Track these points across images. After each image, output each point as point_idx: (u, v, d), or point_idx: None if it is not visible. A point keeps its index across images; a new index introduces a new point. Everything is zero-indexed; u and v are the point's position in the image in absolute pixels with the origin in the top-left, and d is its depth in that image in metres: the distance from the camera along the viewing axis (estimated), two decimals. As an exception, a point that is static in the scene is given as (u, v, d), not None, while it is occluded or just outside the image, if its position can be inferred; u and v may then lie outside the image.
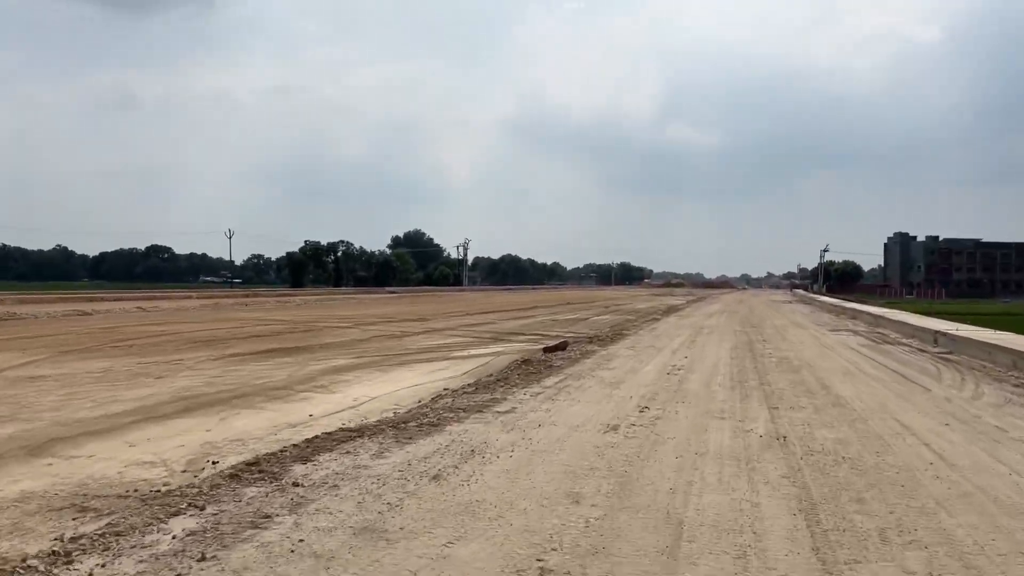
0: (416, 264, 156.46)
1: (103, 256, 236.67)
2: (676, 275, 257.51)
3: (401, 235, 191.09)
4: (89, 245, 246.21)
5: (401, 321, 26.16)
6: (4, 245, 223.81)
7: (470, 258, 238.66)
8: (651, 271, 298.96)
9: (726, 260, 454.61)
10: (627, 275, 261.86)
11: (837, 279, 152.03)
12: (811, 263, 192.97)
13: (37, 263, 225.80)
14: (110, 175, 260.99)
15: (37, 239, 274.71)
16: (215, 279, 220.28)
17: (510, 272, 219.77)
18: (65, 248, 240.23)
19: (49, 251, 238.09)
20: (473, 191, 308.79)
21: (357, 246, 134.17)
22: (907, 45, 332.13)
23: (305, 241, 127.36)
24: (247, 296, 53.95)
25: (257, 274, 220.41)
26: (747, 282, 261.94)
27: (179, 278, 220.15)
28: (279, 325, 22.74)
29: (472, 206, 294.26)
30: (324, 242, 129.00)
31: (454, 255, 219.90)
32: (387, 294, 66.91)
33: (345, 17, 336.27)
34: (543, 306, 40.74)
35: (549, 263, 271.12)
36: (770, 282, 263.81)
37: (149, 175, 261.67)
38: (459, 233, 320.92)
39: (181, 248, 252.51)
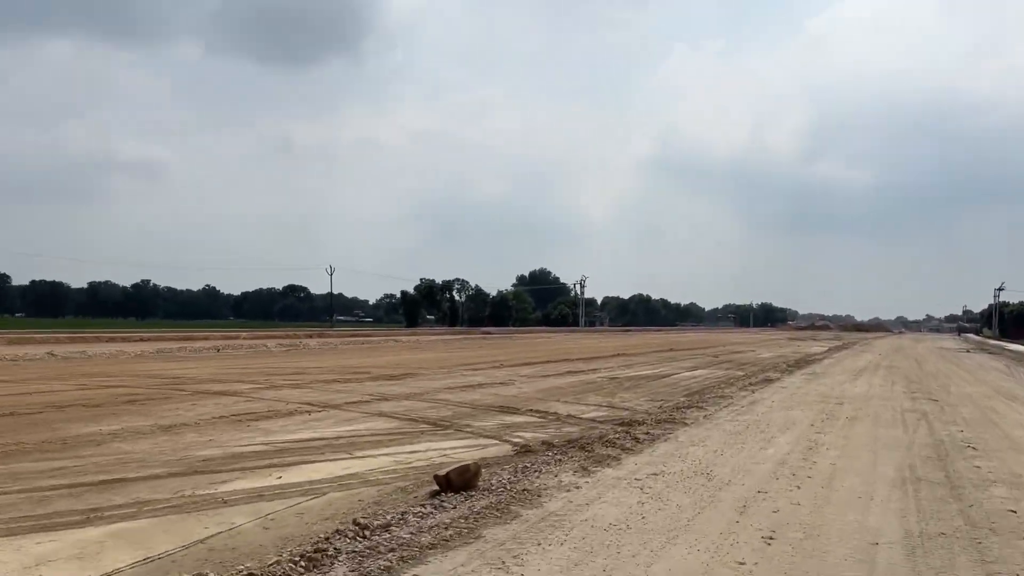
0: (535, 303, 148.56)
1: (244, 296, 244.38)
2: (823, 317, 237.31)
3: (526, 274, 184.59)
4: (236, 285, 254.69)
5: (372, 379, 17.55)
6: (155, 285, 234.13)
7: (599, 298, 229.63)
8: (795, 312, 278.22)
9: (879, 302, 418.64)
10: (768, 317, 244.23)
11: (1012, 322, 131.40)
12: (977, 305, 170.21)
13: (184, 302, 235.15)
14: (266, 218, 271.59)
15: (188, 279, 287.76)
16: (348, 318, 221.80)
17: (639, 312, 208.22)
18: (214, 288, 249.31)
19: (197, 291, 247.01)
20: (609, 231, 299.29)
21: (474, 284, 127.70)
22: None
23: (420, 279, 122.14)
24: (292, 336, 47.12)
25: (387, 313, 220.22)
26: (904, 325, 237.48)
27: (316, 316, 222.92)
28: (135, 387, 14.62)
29: (607, 246, 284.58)
30: (440, 280, 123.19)
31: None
32: (478, 336, 58.81)
33: (490, 62, 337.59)
34: (631, 354, 31.16)
35: (685, 303, 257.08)
36: (929, 325, 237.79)
37: (301, 218, 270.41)
38: (590, 273, 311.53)
39: (319, 288, 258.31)
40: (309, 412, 11.41)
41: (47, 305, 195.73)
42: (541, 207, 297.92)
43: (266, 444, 8.73)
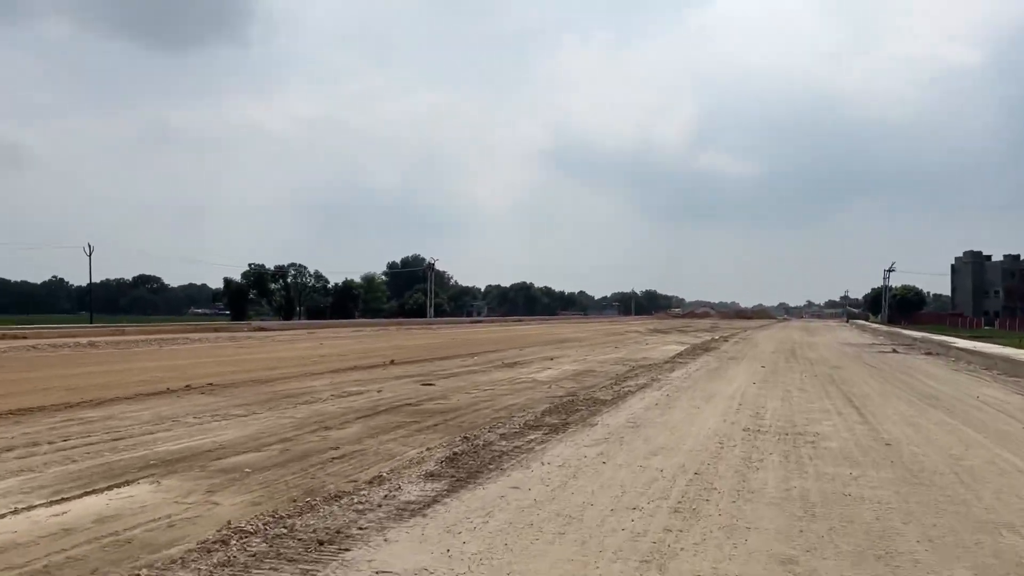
0: (402, 292, 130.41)
1: (91, 287, 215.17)
2: (708, 304, 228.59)
3: (398, 261, 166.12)
4: (86, 276, 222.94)
5: None
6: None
7: (482, 286, 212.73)
8: (681, 300, 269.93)
9: (762, 289, 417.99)
10: (652, 304, 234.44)
11: (896, 307, 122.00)
12: (857, 290, 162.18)
13: (17, 295, 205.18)
14: (138, 206, 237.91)
15: (34, 271, 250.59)
16: (206, 311, 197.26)
17: (520, 301, 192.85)
18: (60, 280, 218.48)
19: (37, 283, 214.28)
20: (501, 220, 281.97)
21: (312, 270, 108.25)
22: (946, 67, 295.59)
23: (249, 264, 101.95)
24: None
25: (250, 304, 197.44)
26: (785, 311, 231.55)
27: (175, 309, 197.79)
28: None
29: (498, 236, 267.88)
30: (274, 265, 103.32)
31: (463, 283, 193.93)
32: (272, 329, 40.51)
33: (378, 48, 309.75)
34: (292, 375, 13.94)
35: (575, 292, 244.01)
36: (811, 311, 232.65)
37: (184, 208, 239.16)
38: (478, 263, 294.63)
39: (179, 279, 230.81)
40: None
41: None
42: (432, 197, 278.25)
43: None
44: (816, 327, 68.86)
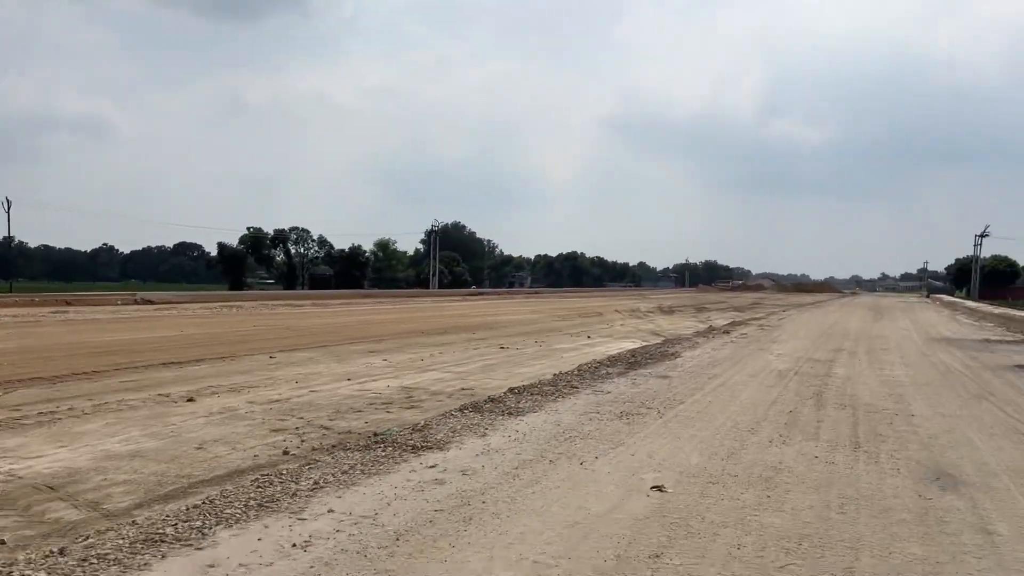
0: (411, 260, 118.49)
1: (132, 255, 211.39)
2: (774, 276, 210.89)
3: (436, 228, 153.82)
4: (134, 244, 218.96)
5: None
6: (22, 242, 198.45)
7: (531, 256, 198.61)
8: (747, 272, 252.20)
9: (836, 262, 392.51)
10: (712, 275, 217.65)
11: (985, 280, 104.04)
12: (938, 263, 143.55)
13: (60, 262, 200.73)
14: (207, 176, 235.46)
15: (85, 239, 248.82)
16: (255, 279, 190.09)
17: (566, 272, 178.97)
18: (110, 247, 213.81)
19: (82, 251, 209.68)
20: (558, 191, 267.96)
21: (316, 235, 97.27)
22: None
23: (247, 228, 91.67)
24: None
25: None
26: (857, 284, 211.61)
27: (215, 278, 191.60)
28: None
29: (554, 206, 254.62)
30: (272, 229, 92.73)
31: (514, 252, 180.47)
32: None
33: (444, 16, 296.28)
34: None
35: (632, 264, 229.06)
36: (884, 284, 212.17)
37: (243, 176, 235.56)
38: (529, 233, 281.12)
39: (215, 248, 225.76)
40: None
41: None
42: (491, 166, 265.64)
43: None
44: (889, 305, 53.46)
